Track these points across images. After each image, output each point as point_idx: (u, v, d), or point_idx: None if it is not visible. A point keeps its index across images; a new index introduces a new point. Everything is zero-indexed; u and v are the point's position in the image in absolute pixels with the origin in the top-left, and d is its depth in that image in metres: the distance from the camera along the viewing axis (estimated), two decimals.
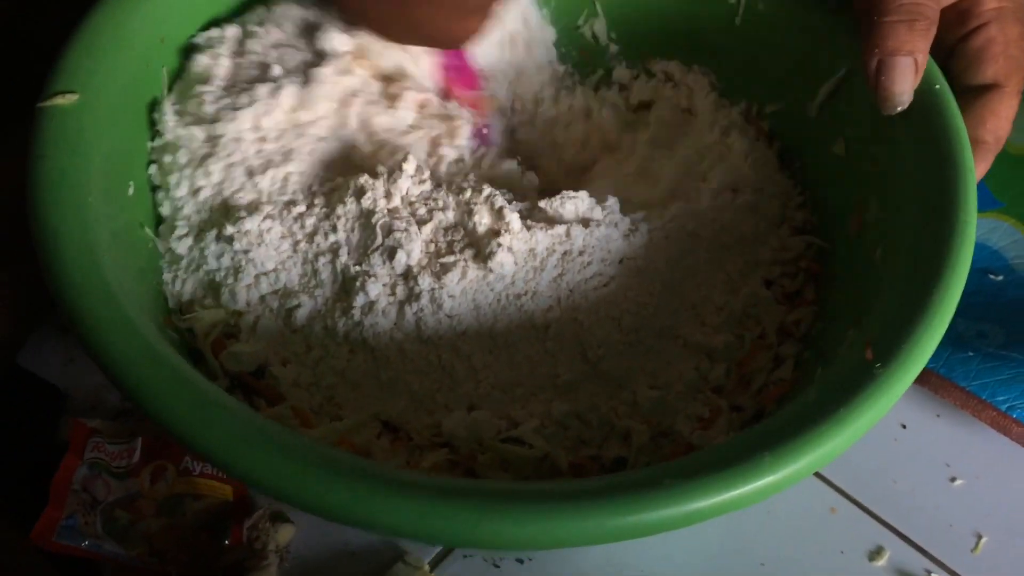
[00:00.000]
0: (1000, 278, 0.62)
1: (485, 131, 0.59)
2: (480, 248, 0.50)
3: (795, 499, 0.56)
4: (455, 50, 0.57)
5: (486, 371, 0.50)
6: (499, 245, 0.50)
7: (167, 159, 0.53)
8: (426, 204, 0.52)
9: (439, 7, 0.51)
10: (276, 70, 0.54)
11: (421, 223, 0.51)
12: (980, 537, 0.55)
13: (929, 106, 0.49)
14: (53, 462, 0.53)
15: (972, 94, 0.52)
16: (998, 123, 0.52)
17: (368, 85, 0.55)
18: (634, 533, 0.37)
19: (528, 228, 0.52)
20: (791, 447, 0.38)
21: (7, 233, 0.53)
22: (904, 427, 0.59)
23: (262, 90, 0.53)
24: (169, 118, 0.53)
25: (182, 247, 0.52)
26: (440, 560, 0.53)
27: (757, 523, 0.55)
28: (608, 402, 0.49)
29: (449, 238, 0.51)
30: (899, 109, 0.48)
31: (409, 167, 0.53)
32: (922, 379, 0.58)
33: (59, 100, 0.47)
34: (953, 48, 0.53)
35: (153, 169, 0.53)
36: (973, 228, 0.45)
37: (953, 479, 0.57)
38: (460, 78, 0.59)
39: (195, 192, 0.52)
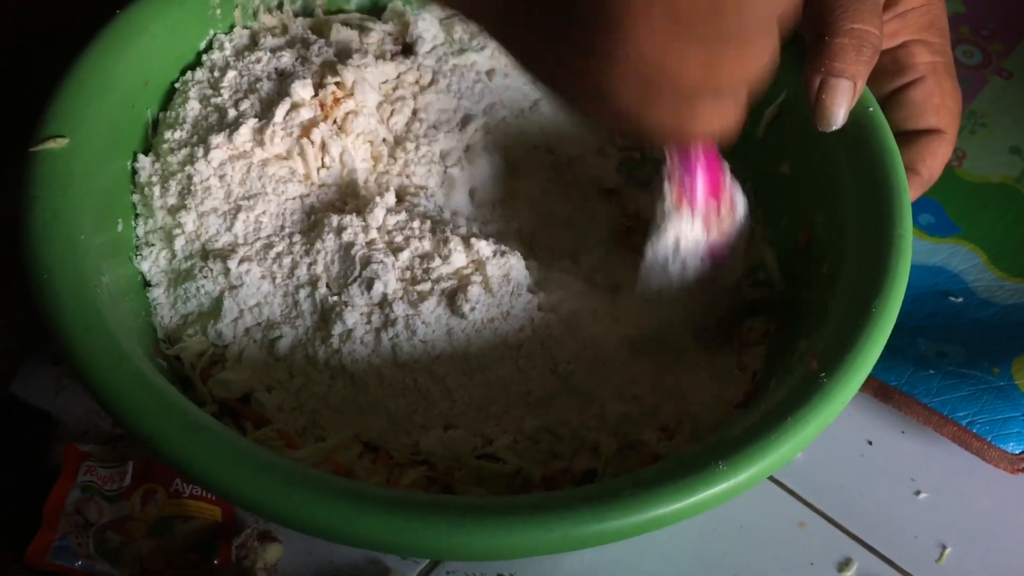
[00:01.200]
0: (960, 300, 0.63)
1: (720, 253, 0.51)
2: (452, 293, 0.52)
3: (766, 514, 0.57)
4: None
5: (461, 391, 0.51)
6: (466, 300, 0.52)
7: (143, 209, 0.55)
8: (402, 232, 0.55)
9: (646, 95, 0.36)
10: (231, 114, 0.57)
11: (397, 251, 0.53)
12: (944, 548, 0.56)
13: (864, 127, 0.52)
14: (45, 487, 0.55)
15: (913, 136, 0.55)
16: (934, 162, 0.55)
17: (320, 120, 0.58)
18: (599, 540, 0.39)
19: (502, 254, 0.54)
20: (744, 455, 0.40)
21: None
22: (870, 443, 0.60)
23: (218, 138, 0.55)
24: (144, 168, 0.55)
25: (163, 297, 0.54)
26: None
27: (729, 537, 0.56)
28: (578, 416, 0.51)
29: (424, 266, 0.53)
30: (833, 128, 0.51)
31: (388, 199, 0.55)
32: (886, 397, 0.60)
33: (50, 144, 0.49)
34: (889, 96, 0.56)
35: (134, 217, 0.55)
36: (909, 242, 0.47)
37: (918, 492, 0.59)
38: (693, 182, 0.48)
39: (171, 241, 0.54)
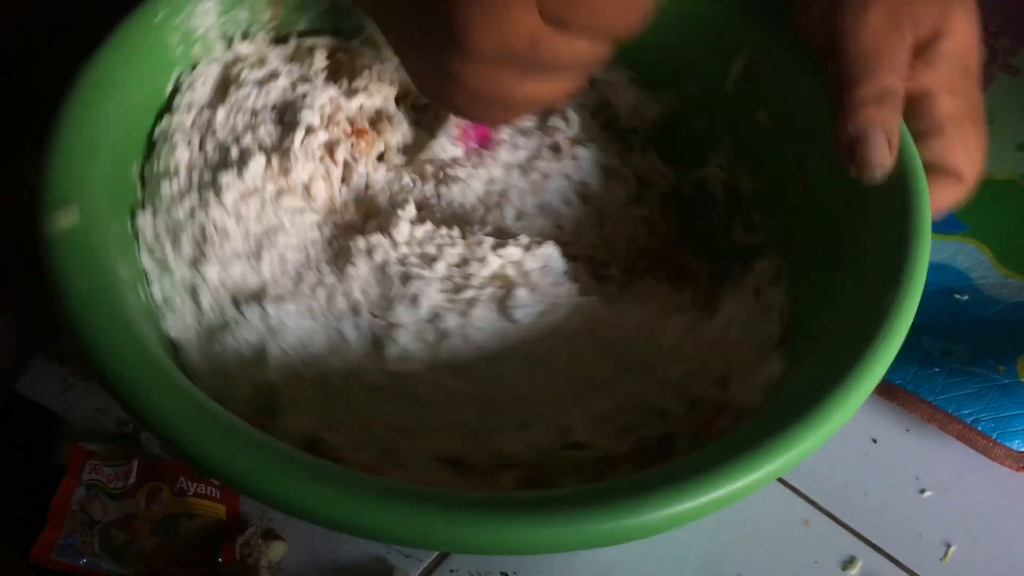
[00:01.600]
0: (965, 298, 0.63)
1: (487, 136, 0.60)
2: (501, 299, 0.52)
3: (770, 512, 0.57)
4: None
5: (526, 389, 0.50)
6: (516, 305, 0.51)
7: (154, 272, 0.51)
8: (432, 242, 0.53)
9: (473, 106, 0.48)
10: (234, 152, 0.53)
11: (431, 262, 0.52)
12: (949, 546, 0.57)
13: None
14: (50, 485, 0.55)
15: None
16: (941, 198, 0.52)
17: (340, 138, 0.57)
18: (608, 540, 0.39)
19: (537, 245, 0.54)
20: (753, 458, 0.40)
21: (2, 262, 0.55)
22: (875, 441, 0.61)
23: (227, 177, 0.52)
24: (147, 226, 0.51)
25: (197, 356, 0.49)
26: (427, 575, 0.55)
27: (733, 535, 0.56)
28: (640, 388, 0.50)
29: (464, 272, 0.52)
30: (879, 177, 0.48)
31: (409, 211, 0.54)
32: (891, 395, 0.60)
33: (62, 223, 0.45)
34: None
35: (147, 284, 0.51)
36: (927, 240, 0.47)
37: (922, 491, 0.59)
38: (472, 136, 0.59)
39: (196, 296, 0.50)
